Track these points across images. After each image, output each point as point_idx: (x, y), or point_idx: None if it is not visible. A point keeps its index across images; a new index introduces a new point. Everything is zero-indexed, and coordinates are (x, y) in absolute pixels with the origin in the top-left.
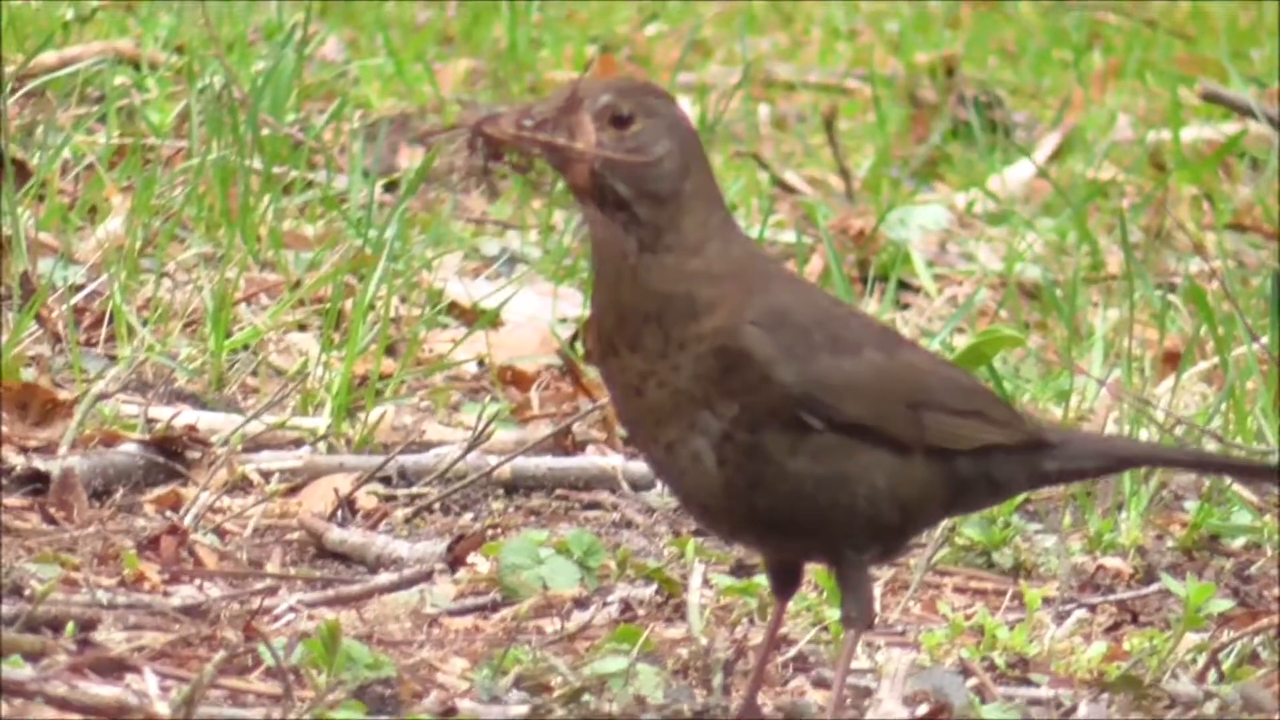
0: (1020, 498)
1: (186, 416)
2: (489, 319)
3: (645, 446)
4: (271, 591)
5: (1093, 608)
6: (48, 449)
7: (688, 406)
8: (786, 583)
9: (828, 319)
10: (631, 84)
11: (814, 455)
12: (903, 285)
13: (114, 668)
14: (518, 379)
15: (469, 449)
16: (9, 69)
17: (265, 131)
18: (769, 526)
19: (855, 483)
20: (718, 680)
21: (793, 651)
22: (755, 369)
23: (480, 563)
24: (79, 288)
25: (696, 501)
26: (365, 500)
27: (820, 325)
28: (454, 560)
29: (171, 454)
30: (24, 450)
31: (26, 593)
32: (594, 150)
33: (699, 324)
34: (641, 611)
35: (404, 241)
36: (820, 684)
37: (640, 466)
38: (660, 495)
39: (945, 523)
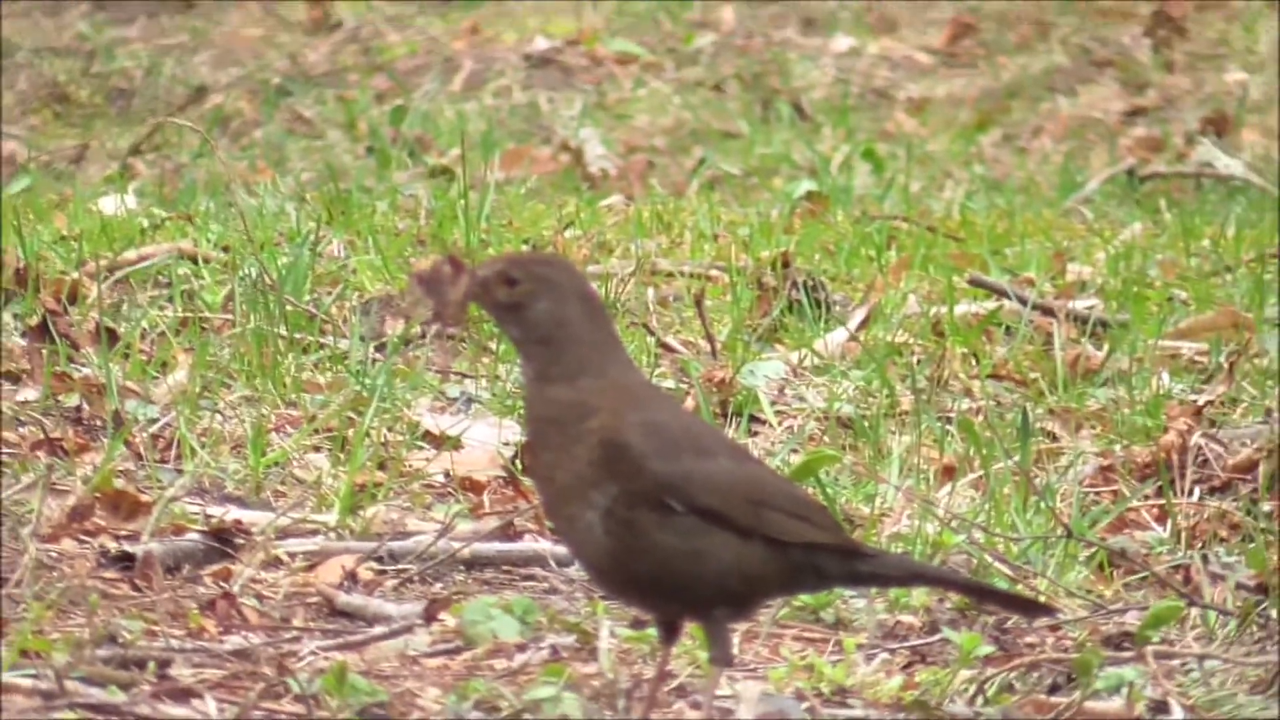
0: None
1: (234, 514)
2: (452, 443)
3: (556, 520)
4: (297, 640)
5: (892, 651)
6: (133, 537)
7: (581, 487)
8: (670, 633)
9: (692, 432)
10: (528, 257)
11: (677, 532)
12: (753, 419)
13: (184, 695)
14: (474, 486)
15: (439, 537)
16: (103, 263)
17: (289, 308)
18: (646, 588)
19: (708, 557)
20: (621, 704)
21: (676, 683)
22: (632, 460)
23: (448, 619)
24: (155, 421)
25: (593, 566)
26: (365, 573)
27: (687, 435)
28: (429, 617)
29: (223, 541)
30: (116, 538)
31: (119, 640)
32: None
33: (589, 422)
34: (565, 654)
35: (390, 387)
36: (695, 707)
37: (563, 550)
38: (577, 570)
39: None
